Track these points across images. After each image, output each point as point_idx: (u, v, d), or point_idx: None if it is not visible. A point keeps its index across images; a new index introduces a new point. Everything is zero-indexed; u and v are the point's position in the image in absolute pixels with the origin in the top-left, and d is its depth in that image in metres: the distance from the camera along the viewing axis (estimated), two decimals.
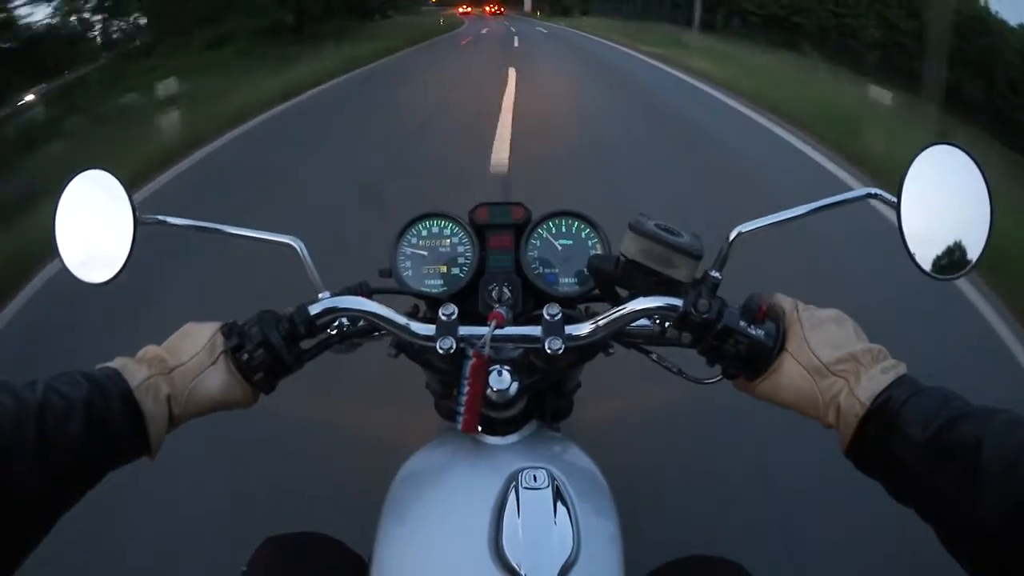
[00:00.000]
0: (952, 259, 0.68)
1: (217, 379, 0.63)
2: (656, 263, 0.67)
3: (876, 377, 0.57)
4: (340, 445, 2.01)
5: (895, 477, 0.55)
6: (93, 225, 0.74)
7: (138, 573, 1.64)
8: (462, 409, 0.65)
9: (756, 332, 0.63)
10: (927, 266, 0.68)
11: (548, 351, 0.65)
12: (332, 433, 2.06)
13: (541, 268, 0.82)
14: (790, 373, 0.61)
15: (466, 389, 0.65)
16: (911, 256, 0.69)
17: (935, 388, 0.55)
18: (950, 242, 0.68)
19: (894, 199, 0.69)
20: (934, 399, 0.54)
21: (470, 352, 0.65)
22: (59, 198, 0.74)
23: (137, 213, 0.72)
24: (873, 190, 0.72)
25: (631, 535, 0.69)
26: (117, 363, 0.61)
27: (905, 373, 0.57)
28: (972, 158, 0.68)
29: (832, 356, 0.59)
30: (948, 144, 0.69)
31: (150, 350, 0.64)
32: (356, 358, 0.81)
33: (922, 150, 0.69)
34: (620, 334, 0.73)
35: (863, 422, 0.56)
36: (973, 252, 0.67)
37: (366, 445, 1.93)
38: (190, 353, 0.63)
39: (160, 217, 0.75)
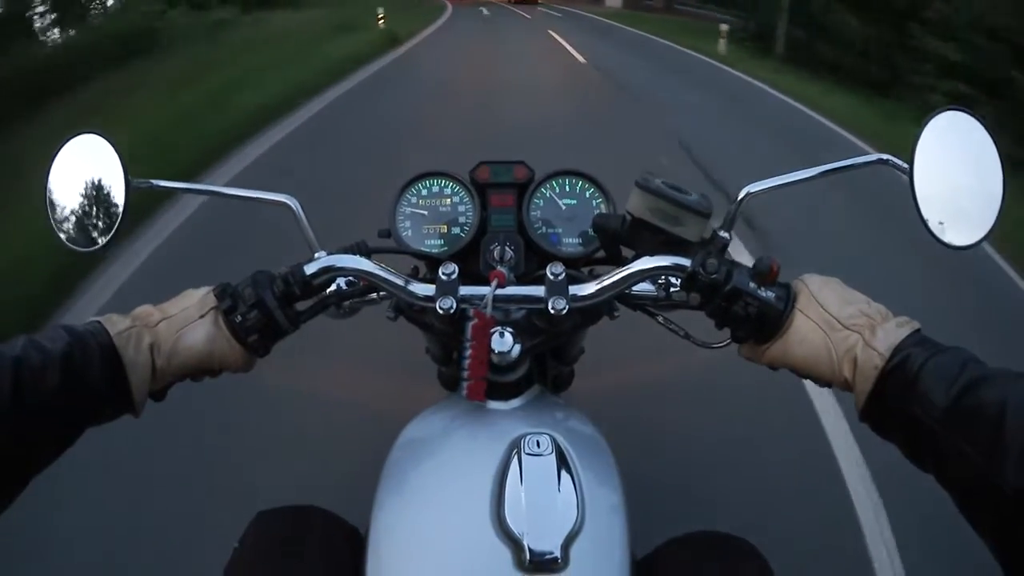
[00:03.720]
0: (966, 226, 0.66)
1: (204, 331, 0.61)
2: (664, 221, 0.65)
3: (892, 331, 0.56)
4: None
5: (914, 439, 0.53)
6: (85, 191, 0.72)
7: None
8: (466, 374, 0.63)
9: (766, 294, 0.61)
10: (941, 234, 0.67)
11: (552, 311, 0.63)
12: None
13: (544, 228, 0.80)
14: (801, 330, 0.60)
15: (469, 352, 0.63)
16: (924, 224, 0.67)
17: (952, 348, 0.54)
18: (964, 209, 0.67)
19: (906, 165, 0.68)
20: (954, 359, 0.52)
21: (471, 312, 0.63)
22: (50, 163, 0.72)
23: (129, 177, 0.70)
24: (885, 156, 0.70)
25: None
26: (103, 317, 0.58)
27: (920, 328, 0.56)
28: (983, 124, 0.67)
29: (844, 311, 0.59)
30: (958, 110, 0.68)
31: (141, 307, 0.62)
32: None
33: (933, 115, 0.68)
34: (626, 296, 0.71)
35: (882, 378, 0.54)
36: (987, 219, 0.65)
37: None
38: (179, 308, 0.62)
39: (153, 181, 0.73)
